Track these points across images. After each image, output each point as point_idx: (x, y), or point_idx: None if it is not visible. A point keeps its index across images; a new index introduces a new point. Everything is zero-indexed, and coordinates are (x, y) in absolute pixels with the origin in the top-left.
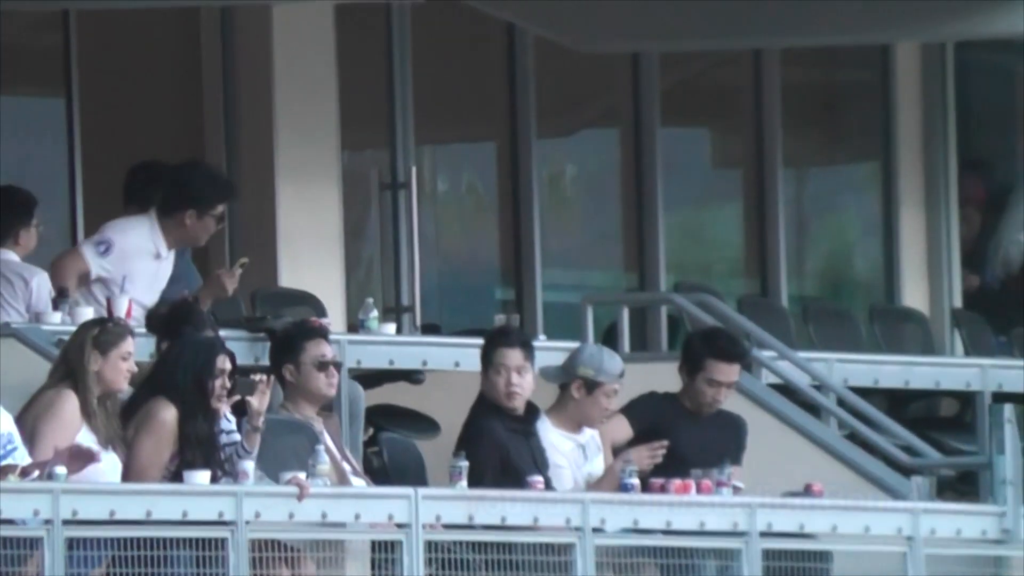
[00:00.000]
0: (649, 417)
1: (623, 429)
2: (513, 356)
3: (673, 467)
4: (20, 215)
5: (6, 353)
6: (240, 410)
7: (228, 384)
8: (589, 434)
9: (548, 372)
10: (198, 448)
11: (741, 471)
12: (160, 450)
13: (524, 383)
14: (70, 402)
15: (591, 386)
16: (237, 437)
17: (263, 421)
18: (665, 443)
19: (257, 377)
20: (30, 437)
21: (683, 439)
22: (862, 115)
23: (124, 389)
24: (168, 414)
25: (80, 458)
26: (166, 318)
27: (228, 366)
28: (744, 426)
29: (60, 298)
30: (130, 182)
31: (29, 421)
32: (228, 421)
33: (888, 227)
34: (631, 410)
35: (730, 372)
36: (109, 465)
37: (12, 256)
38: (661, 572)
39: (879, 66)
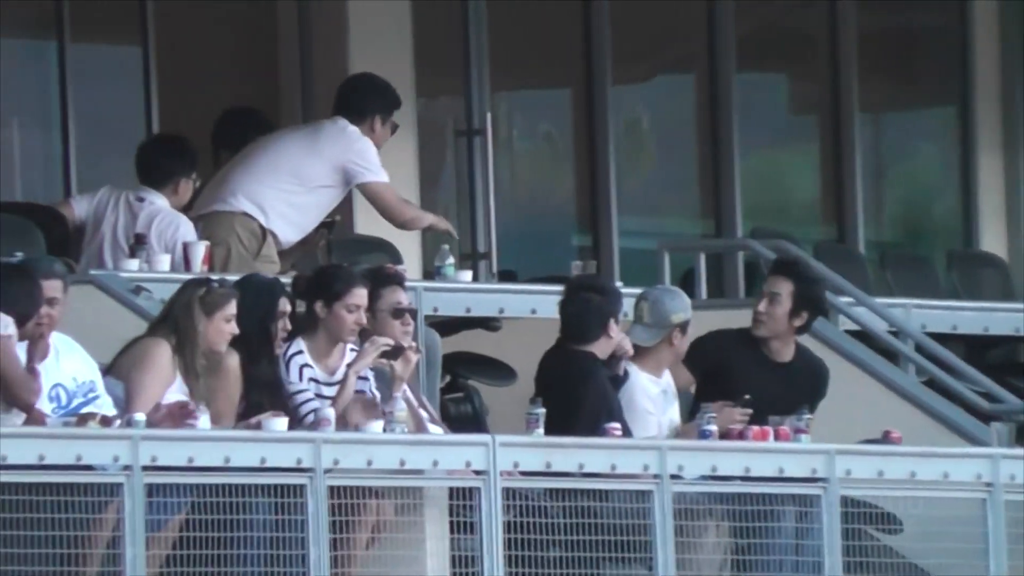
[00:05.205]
0: (712, 359)
1: (682, 376)
2: None
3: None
4: (187, 165)
5: (85, 300)
6: None
7: (288, 326)
8: (667, 379)
9: (643, 336)
10: (264, 390)
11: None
12: (232, 398)
13: None
14: (164, 352)
15: (685, 326)
16: (364, 388)
17: (404, 388)
18: (749, 411)
19: (407, 344)
20: (125, 386)
21: (751, 382)
22: (939, 60)
23: (223, 351)
24: (232, 361)
25: (181, 416)
26: (310, 282)
27: (288, 308)
28: (824, 373)
29: (138, 245)
30: (220, 127)
31: (124, 370)
32: (366, 380)
33: (966, 172)
34: (690, 355)
35: (772, 282)
36: (203, 424)
37: (163, 202)
38: (732, 534)
39: (956, 10)
